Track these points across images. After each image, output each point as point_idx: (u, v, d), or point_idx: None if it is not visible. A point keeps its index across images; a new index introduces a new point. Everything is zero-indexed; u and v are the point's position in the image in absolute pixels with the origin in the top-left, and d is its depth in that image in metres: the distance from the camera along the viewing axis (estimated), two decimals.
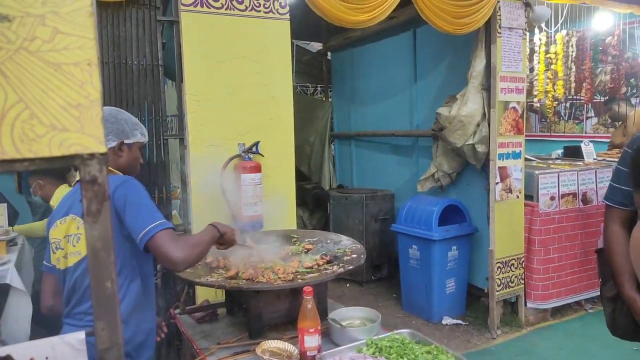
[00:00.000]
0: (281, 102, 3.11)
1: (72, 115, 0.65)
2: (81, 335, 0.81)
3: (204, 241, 1.64)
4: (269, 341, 1.76)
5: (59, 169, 3.38)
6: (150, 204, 1.56)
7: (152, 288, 1.77)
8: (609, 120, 6.24)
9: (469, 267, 4.20)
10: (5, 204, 3.30)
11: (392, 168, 5.35)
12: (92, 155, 0.64)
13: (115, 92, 2.87)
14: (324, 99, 6.69)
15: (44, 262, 1.75)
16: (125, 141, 1.72)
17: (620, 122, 5.86)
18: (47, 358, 0.74)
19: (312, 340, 1.66)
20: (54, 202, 3.14)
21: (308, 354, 1.65)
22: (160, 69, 2.93)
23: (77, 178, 1.77)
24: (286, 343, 1.74)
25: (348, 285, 5.04)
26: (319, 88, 7.48)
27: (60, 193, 3.17)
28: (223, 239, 1.76)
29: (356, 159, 6.04)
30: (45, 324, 2.53)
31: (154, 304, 1.79)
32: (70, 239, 1.63)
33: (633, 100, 5.94)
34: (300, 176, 6.56)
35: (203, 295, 2.73)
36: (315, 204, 6.15)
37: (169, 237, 1.51)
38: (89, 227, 0.64)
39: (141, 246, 1.51)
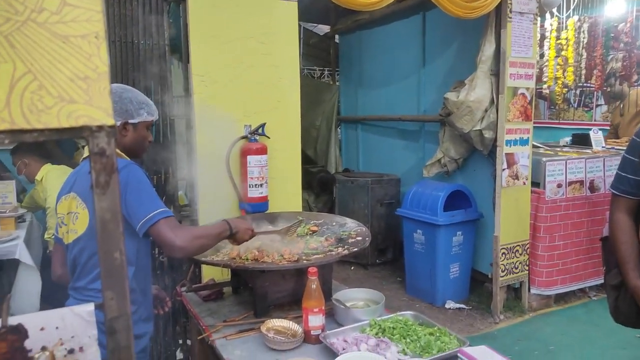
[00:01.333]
0: (288, 84, 3.09)
1: (80, 88, 0.66)
2: (90, 307, 0.83)
3: (210, 235, 1.64)
4: (274, 320, 1.78)
5: (43, 148, 3.39)
6: (152, 191, 1.56)
7: (148, 278, 1.76)
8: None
9: (473, 252, 4.21)
10: (14, 181, 3.33)
11: (398, 153, 5.34)
12: (100, 128, 0.65)
13: (122, 72, 2.87)
14: (331, 83, 6.65)
15: (54, 233, 1.77)
16: (130, 121, 1.70)
17: (618, 102, 5.80)
18: (57, 328, 0.75)
19: (316, 320, 1.67)
20: (42, 179, 3.16)
21: (312, 332, 1.67)
22: (166, 48, 2.92)
23: (85, 155, 1.77)
24: (291, 322, 1.76)
25: (353, 268, 5.08)
26: (326, 71, 7.42)
27: (45, 171, 3.19)
28: (235, 238, 1.76)
29: (363, 143, 6.03)
30: (51, 302, 2.58)
31: (149, 294, 1.77)
32: (71, 217, 1.64)
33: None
34: (306, 159, 6.56)
35: (209, 274, 2.76)
36: (321, 188, 6.16)
37: (171, 225, 1.52)
38: (97, 198, 0.64)
39: (141, 232, 1.51)
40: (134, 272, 1.65)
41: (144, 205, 1.51)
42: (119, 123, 1.68)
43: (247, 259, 1.92)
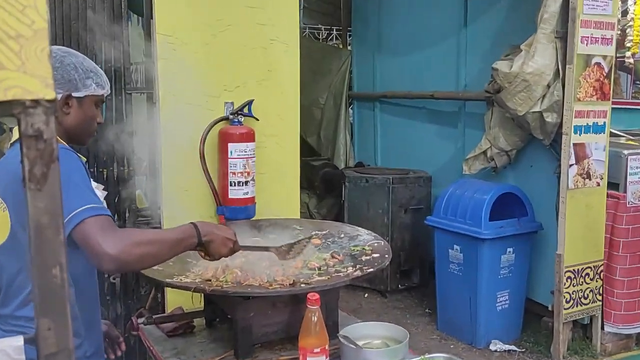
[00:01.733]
0: (283, 48, 3.10)
1: (10, 49, 0.66)
2: (18, 341, 0.83)
3: (162, 240, 1.59)
4: None
5: None
6: (83, 183, 1.55)
7: (95, 304, 1.77)
8: None
9: (528, 276, 4.21)
10: None
11: (429, 142, 5.33)
12: (36, 103, 0.65)
13: (63, 30, 2.88)
14: (341, 47, 6.66)
15: None
16: (74, 94, 1.70)
17: None
18: None
19: None
20: None
21: None
22: (122, 0, 2.93)
23: (13, 139, 1.78)
24: None
25: (367, 295, 5.08)
26: (334, 32, 7.42)
27: None
28: (207, 250, 1.71)
29: (382, 129, 6.02)
30: None
31: (97, 325, 1.78)
32: None
33: None
34: (307, 149, 6.55)
35: (175, 301, 2.77)
36: (326, 187, 6.16)
37: (102, 225, 1.47)
38: (31, 196, 0.65)
39: (65, 235, 1.47)
40: (76, 295, 1.66)
41: (69, 200, 1.45)
42: (59, 97, 1.67)
43: (226, 281, 1.93)
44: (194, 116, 2.93)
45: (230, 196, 2.93)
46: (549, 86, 3.85)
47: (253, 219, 2.89)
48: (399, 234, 4.97)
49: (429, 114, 5.34)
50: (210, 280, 1.95)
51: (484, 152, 4.40)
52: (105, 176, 3.17)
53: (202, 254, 1.75)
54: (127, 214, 3.25)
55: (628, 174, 3.96)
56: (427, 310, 4.75)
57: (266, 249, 2.00)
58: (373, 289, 5.12)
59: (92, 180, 1.67)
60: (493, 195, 4.02)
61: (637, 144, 4.39)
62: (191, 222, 1.70)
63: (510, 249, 4.06)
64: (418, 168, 5.28)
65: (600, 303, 4.01)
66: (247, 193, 2.94)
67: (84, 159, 1.75)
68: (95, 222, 1.46)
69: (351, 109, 6.64)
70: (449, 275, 4.21)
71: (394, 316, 4.60)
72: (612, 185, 3.99)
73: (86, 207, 1.47)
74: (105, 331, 1.97)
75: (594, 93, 3.84)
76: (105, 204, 1.68)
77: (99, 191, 2.02)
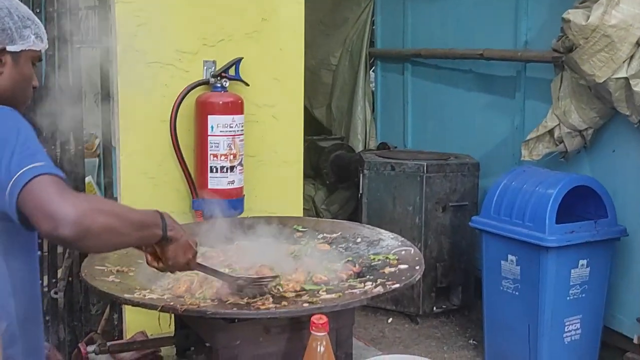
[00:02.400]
0: None
1: None
2: None
3: (128, 218, 1.61)
4: None
5: None
6: (32, 142, 1.59)
7: (37, 314, 1.80)
8: None
9: (606, 297, 4.19)
10: None
11: (476, 117, 5.29)
12: None
13: None
14: None
15: None
16: (9, 47, 1.73)
17: None
18: None
19: None
20: None
21: None
22: None
23: None
24: None
25: (391, 320, 5.07)
26: None
27: None
28: (163, 250, 1.73)
29: (413, 99, 5.98)
30: None
31: (41, 346, 1.81)
32: None
33: None
34: (314, 125, 6.53)
35: (136, 323, 2.79)
36: (338, 176, 6.14)
37: (58, 185, 1.51)
38: None
39: (13, 203, 1.50)
40: (16, 310, 1.68)
41: (16, 159, 1.52)
42: None
43: (203, 298, 1.94)
44: (163, 79, 2.95)
45: (210, 186, 2.94)
46: (638, 44, 3.82)
47: (240, 216, 2.89)
48: (434, 239, 4.96)
49: (477, 80, 5.30)
50: (182, 297, 1.96)
51: (550, 132, 4.37)
52: None
53: (150, 257, 1.76)
54: None
55: None
56: (471, 341, 4.73)
57: (221, 275, 1.98)
58: (400, 312, 5.10)
59: None
60: (562, 189, 3.97)
61: None
62: (157, 210, 1.72)
63: (584, 262, 4.02)
64: (461, 152, 5.26)
65: None
66: (232, 182, 2.95)
67: None
68: (50, 180, 1.49)
69: (373, 72, 6.61)
70: (502, 295, 4.17)
71: (427, 348, 4.58)
72: None
73: (37, 164, 1.51)
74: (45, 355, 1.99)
75: None
76: None
77: None
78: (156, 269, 1.79)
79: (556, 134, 4.36)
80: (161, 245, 1.71)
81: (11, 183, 1.49)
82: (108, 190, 3.33)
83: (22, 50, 1.74)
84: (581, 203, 4.08)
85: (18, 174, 1.49)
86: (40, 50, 1.80)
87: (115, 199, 3.11)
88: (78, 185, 3.19)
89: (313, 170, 6.29)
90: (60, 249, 3.27)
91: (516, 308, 4.12)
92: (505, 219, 4.13)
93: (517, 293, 4.11)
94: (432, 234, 4.95)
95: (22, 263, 1.71)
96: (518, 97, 4.99)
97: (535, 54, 4.64)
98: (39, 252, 2.83)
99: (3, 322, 1.63)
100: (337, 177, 6.19)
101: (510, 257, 4.12)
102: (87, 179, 3.29)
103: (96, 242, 1.55)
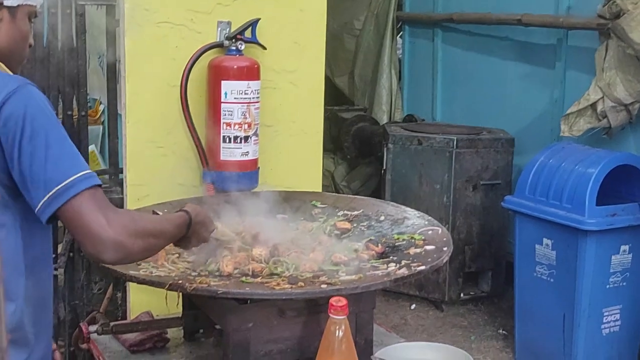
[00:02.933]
0: None
1: None
2: None
3: (165, 234, 1.77)
4: None
5: None
6: (66, 138, 1.63)
7: (48, 292, 1.84)
8: None
9: None
10: None
11: (512, 88, 5.27)
12: None
13: None
14: None
15: None
16: (6, 2, 1.73)
17: None
18: None
19: None
20: None
21: None
22: None
23: None
24: None
25: (415, 306, 5.09)
26: None
27: None
28: (188, 234, 1.86)
29: (444, 67, 5.96)
30: None
31: (50, 323, 1.85)
32: None
33: None
34: (334, 95, 6.51)
35: (141, 303, 2.79)
36: (360, 150, 6.14)
37: (100, 201, 1.59)
38: None
39: (47, 214, 1.57)
40: (26, 290, 1.69)
41: (55, 165, 1.57)
42: None
43: (213, 273, 1.92)
44: (174, 41, 2.92)
45: (222, 157, 2.93)
46: None
47: (254, 190, 2.88)
48: (463, 220, 4.95)
49: (514, 48, 5.27)
50: (191, 274, 1.95)
51: (593, 106, 4.32)
52: None
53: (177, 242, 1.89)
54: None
55: None
56: (500, 330, 4.73)
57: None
58: (424, 298, 5.12)
59: None
60: (604, 168, 3.93)
61: None
62: (182, 210, 1.87)
63: (626, 247, 3.98)
64: (495, 126, 5.24)
65: None
66: (246, 153, 2.94)
67: None
68: (92, 197, 1.58)
69: (400, 37, 6.57)
70: (535, 282, 4.16)
71: (453, 337, 4.57)
72: None
73: (81, 174, 1.58)
74: None
75: None
76: None
77: None
78: (178, 245, 1.93)
79: (599, 108, 4.31)
80: (189, 232, 1.86)
81: (51, 195, 1.55)
82: (112, 159, 3.33)
83: (19, 5, 1.75)
84: (625, 184, 4.05)
85: (64, 183, 1.55)
86: (36, 6, 1.81)
87: (121, 170, 3.10)
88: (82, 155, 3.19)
89: (333, 143, 6.27)
90: (60, 223, 3.27)
91: (550, 296, 4.10)
92: (541, 200, 4.09)
93: (552, 280, 4.09)
94: (461, 214, 4.94)
95: (37, 241, 1.75)
96: (558, 67, 4.94)
97: (579, 21, 4.59)
98: None
99: (11, 304, 1.64)
100: (358, 152, 6.17)
101: (545, 240, 4.09)
102: (91, 148, 3.28)
103: (135, 260, 1.75)
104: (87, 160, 3.28)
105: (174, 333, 2.26)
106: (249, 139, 2.95)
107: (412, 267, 1.99)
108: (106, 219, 1.56)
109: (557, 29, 4.87)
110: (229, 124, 2.92)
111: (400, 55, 6.56)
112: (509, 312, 4.51)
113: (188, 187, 2.96)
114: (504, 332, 4.70)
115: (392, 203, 2.63)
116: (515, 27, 5.11)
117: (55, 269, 3.23)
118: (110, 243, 1.56)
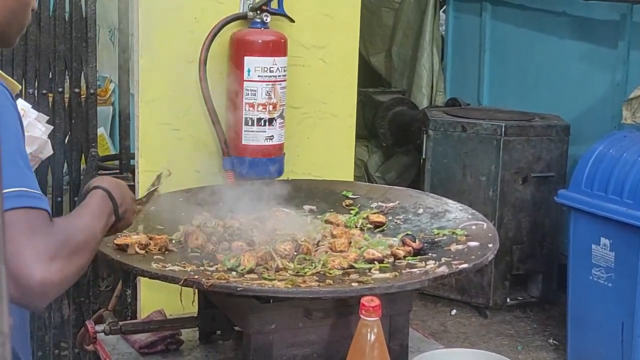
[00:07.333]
0: None
1: None
2: None
3: (96, 235, 1.68)
4: None
5: None
6: (20, 147, 1.58)
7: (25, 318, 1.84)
8: None
9: None
10: None
11: (568, 70, 5.25)
12: None
13: None
14: None
15: None
16: None
17: None
18: None
19: None
20: None
21: None
22: None
23: None
24: None
25: (455, 311, 5.10)
26: None
27: None
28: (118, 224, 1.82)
29: (492, 47, 5.95)
30: None
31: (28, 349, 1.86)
32: None
33: None
34: (370, 76, 6.51)
35: (152, 301, 2.82)
36: (397, 137, 6.14)
37: (31, 225, 1.49)
38: None
39: None
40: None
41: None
42: None
43: (238, 268, 1.94)
44: (192, 12, 2.94)
45: (244, 141, 2.95)
46: None
47: (279, 178, 2.89)
48: (511, 217, 4.95)
49: (571, 25, 5.25)
50: (206, 269, 1.97)
51: None
52: (50, 102, 3.21)
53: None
54: (81, 165, 3.28)
55: None
56: (551, 340, 4.73)
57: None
58: (466, 303, 5.13)
59: (28, 115, 1.70)
60: None
61: None
62: (97, 187, 1.78)
63: None
64: (548, 112, 5.22)
65: None
66: (271, 138, 2.95)
67: (17, 87, 1.78)
68: (21, 218, 1.48)
69: (443, 12, 6.55)
70: (591, 287, 4.16)
71: (498, 347, 4.60)
72: None
73: (13, 190, 1.49)
74: None
75: None
76: (49, 147, 1.71)
77: (42, 125, 2.04)
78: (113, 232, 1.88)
79: None
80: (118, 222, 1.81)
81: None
82: (124, 147, 3.34)
83: None
84: None
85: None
86: None
87: (132, 155, 3.12)
88: (88, 135, 3.21)
89: (367, 129, 6.28)
90: (64, 212, 3.31)
91: (608, 302, 4.09)
92: (599, 195, 4.08)
93: (610, 284, 4.07)
94: (509, 210, 4.94)
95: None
96: (621, 46, 4.91)
97: None
98: None
99: (14, 316, 1.67)
100: (395, 139, 6.17)
101: (603, 240, 4.07)
102: (100, 130, 3.31)
103: (73, 280, 1.60)
104: (95, 144, 3.30)
105: (189, 334, 2.28)
106: (274, 121, 2.96)
107: (453, 266, 1.99)
108: (33, 245, 1.46)
109: (621, 4, 4.83)
110: (252, 105, 2.93)
111: (443, 32, 6.55)
112: (561, 320, 4.50)
113: (206, 174, 2.98)
114: (555, 342, 4.69)
115: (431, 194, 2.63)
116: (574, 0, 5.07)
117: None
118: (30, 280, 1.45)
